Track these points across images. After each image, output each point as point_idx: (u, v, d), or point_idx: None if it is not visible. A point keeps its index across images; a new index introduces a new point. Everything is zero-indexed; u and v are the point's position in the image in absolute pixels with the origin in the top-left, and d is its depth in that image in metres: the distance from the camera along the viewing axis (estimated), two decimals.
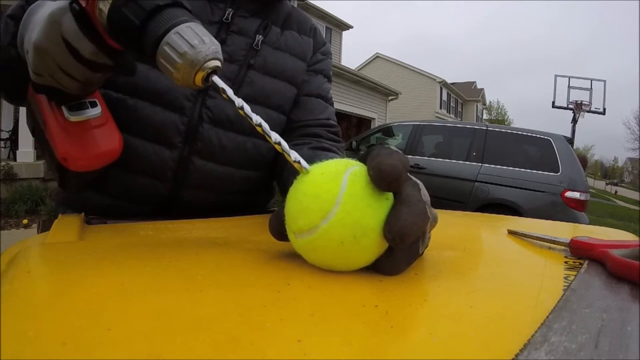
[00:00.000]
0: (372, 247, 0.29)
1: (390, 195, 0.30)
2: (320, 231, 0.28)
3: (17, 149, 5.11)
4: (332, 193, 0.28)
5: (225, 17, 0.63)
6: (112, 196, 0.63)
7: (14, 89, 0.56)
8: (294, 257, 0.32)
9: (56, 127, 0.47)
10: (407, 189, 0.30)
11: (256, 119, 0.35)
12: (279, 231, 0.34)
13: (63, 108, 0.47)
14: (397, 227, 0.28)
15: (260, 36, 0.66)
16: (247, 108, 0.35)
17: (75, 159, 0.47)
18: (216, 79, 0.35)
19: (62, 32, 0.38)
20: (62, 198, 0.68)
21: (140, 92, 0.59)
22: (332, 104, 0.79)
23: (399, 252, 0.30)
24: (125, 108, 0.59)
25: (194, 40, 0.34)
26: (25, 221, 3.99)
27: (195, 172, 0.63)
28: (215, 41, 0.36)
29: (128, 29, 0.34)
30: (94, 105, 0.49)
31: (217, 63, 0.35)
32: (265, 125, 0.35)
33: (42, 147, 0.52)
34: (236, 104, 0.35)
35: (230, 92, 0.35)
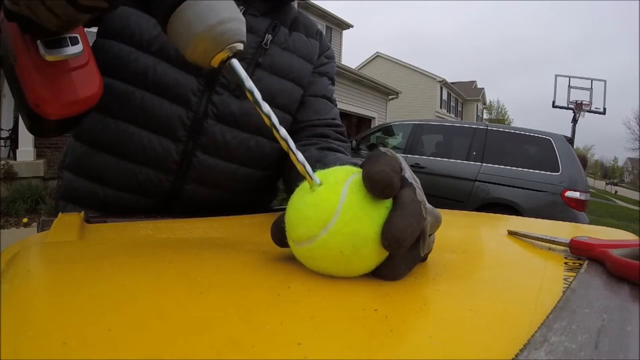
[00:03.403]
0: (372, 255, 0.29)
1: (389, 203, 0.29)
2: (319, 240, 0.28)
3: (17, 148, 5.12)
4: (331, 202, 0.28)
5: None
6: (116, 188, 0.63)
7: None
8: (295, 260, 0.32)
9: (29, 65, 0.40)
10: (402, 191, 0.29)
11: (275, 120, 0.32)
12: (280, 239, 0.33)
13: (39, 43, 0.40)
14: (391, 233, 0.27)
15: (270, 35, 0.67)
16: (265, 106, 0.32)
17: (49, 105, 0.41)
18: (236, 63, 0.32)
19: None
20: (62, 192, 0.69)
21: (148, 84, 0.60)
22: (336, 106, 0.80)
23: (399, 257, 0.30)
24: (132, 100, 0.60)
25: (224, 13, 0.30)
26: (25, 220, 4.00)
27: (198, 166, 0.64)
28: (243, 18, 0.33)
29: None
30: (74, 42, 0.41)
31: (242, 46, 0.32)
32: (283, 130, 0.32)
33: (11, 83, 0.45)
34: (255, 96, 0.32)
35: (248, 81, 0.32)
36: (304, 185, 0.31)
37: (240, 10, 0.62)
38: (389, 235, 0.27)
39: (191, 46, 0.30)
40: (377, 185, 0.28)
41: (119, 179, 0.63)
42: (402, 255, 0.30)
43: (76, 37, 0.42)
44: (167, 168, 0.62)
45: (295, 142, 0.68)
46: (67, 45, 0.41)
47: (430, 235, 0.33)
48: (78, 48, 0.41)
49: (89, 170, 0.64)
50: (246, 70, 0.62)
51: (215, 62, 0.31)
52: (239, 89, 0.63)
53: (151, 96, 0.60)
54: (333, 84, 0.81)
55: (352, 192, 0.29)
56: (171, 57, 0.60)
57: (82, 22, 0.40)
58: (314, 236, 0.28)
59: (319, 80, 0.76)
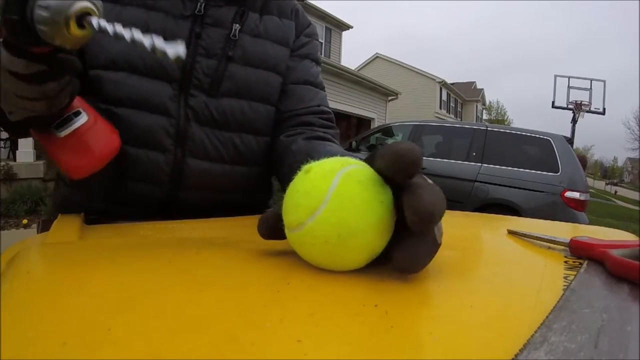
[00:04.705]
0: (360, 248, 0.29)
1: (385, 198, 0.29)
2: (306, 228, 0.29)
3: (17, 149, 5.11)
4: (321, 191, 0.29)
5: (197, 9, 0.62)
6: (110, 201, 0.63)
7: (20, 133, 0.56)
8: (294, 257, 0.32)
9: (52, 147, 0.48)
10: (419, 178, 0.29)
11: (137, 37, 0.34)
12: (264, 231, 0.35)
13: (52, 129, 0.48)
14: (423, 206, 0.26)
15: (237, 25, 0.64)
16: (136, 35, 0.34)
17: (77, 168, 0.48)
18: (92, 18, 0.34)
19: (3, 66, 0.40)
20: (60, 201, 0.68)
21: (125, 100, 0.59)
22: (322, 89, 0.75)
23: (419, 245, 0.29)
24: (112, 117, 0.58)
25: None
26: (25, 221, 3.99)
27: (190, 173, 0.63)
28: None
29: (12, 14, 0.34)
30: (78, 114, 0.49)
31: (86, 4, 0.34)
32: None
33: (54, 167, 0.52)
34: (126, 38, 0.34)
35: (116, 28, 0.34)
36: (300, 173, 0.32)
37: (201, 4, 0.61)
38: (421, 208, 0.26)
39: (47, 31, 0.34)
40: (404, 159, 0.27)
41: (111, 194, 0.62)
42: (421, 242, 0.29)
43: (78, 111, 0.49)
44: (159, 180, 0.62)
45: (280, 133, 0.68)
46: (72, 119, 0.48)
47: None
48: (83, 118, 0.49)
49: (81, 184, 0.64)
50: (217, 66, 0.62)
51: (73, 30, 0.34)
52: (213, 88, 0.62)
53: (130, 111, 0.59)
54: (318, 64, 0.77)
55: (343, 183, 0.29)
56: (139, 68, 0.59)
57: (59, 95, 0.45)
58: (302, 223, 0.29)
59: (300, 65, 0.72)
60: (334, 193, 0.28)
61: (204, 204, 0.66)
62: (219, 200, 0.67)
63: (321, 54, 10.84)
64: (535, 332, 0.21)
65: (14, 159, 5.12)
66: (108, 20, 0.34)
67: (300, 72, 0.72)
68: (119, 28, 0.34)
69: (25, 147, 5.02)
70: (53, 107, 0.46)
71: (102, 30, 0.34)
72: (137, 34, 0.34)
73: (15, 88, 0.41)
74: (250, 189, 0.72)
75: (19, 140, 5.04)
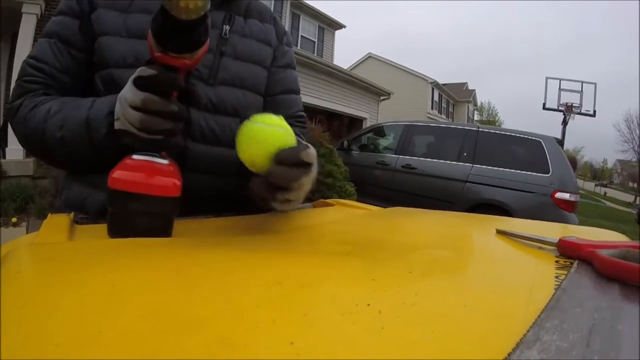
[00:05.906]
0: (253, 153, 0.47)
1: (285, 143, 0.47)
2: (251, 125, 0.48)
3: (7, 146, 5.05)
4: (274, 122, 0.48)
5: None
6: None
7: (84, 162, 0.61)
8: (287, 257, 0.32)
9: (120, 164, 0.47)
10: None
11: None
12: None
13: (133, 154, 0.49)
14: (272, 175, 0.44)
15: (227, 26, 0.74)
16: None
17: (119, 180, 0.45)
18: None
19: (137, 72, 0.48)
20: (66, 198, 0.70)
21: None
22: (299, 92, 0.90)
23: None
24: None
25: None
26: (14, 220, 3.95)
27: (191, 155, 0.68)
28: None
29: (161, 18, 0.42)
30: (163, 157, 0.49)
31: None
32: None
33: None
34: None
35: None
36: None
37: None
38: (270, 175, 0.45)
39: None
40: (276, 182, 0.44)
41: None
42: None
43: (165, 156, 0.50)
44: None
45: None
46: (153, 155, 0.49)
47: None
48: (165, 161, 0.49)
49: (85, 176, 0.67)
50: (213, 60, 0.70)
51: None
52: (211, 77, 0.71)
53: None
54: (295, 69, 0.90)
55: (281, 131, 0.48)
56: None
57: (155, 108, 0.48)
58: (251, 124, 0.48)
59: (286, 74, 0.85)
60: (270, 129, 0.48)
61: (205, 187, 0.69)
62: (220, 184, 0.71)
63: (313, 53, 10.84)
64: (528, 331, 0.21)
65: (4, 156, 5.06)
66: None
67: (286, 82, 0.86)
68: None
69: (15, 144, 4.96)
70: (145, 128, 0.48)
71: None
72: None
73: (128, 93, 0.48)
74: (249, 176, 0.74)
75: (9, 137, 4.98)
